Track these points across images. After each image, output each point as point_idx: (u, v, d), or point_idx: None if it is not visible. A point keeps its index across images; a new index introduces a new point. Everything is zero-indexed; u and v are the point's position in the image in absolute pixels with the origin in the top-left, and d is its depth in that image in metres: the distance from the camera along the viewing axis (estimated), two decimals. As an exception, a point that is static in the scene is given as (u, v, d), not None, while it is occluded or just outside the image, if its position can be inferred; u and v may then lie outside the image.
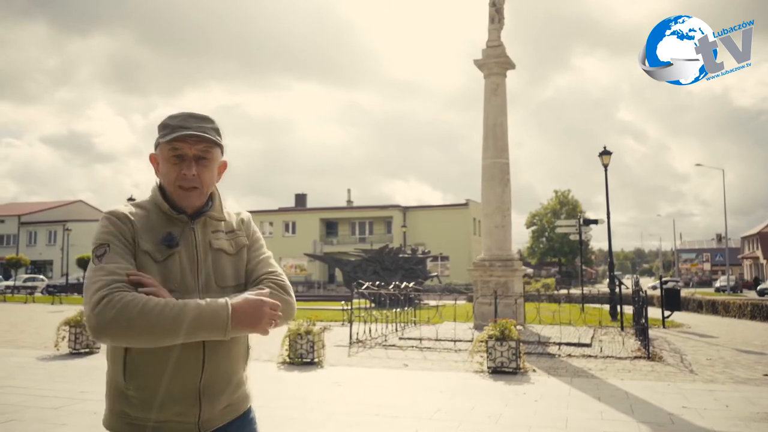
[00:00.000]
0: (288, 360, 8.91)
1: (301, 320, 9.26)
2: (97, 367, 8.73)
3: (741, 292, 46.35)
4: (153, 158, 1.77)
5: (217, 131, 1.73)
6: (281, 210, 58.35)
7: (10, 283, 37.31)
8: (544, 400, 6.53)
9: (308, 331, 9.00)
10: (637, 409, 6.06)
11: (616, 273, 17.75)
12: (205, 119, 1.73)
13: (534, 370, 8.30)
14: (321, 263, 47.79)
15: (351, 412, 5.94)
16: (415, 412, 5.97)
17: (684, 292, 29.37)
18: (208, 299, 1.57)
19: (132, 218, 1.66)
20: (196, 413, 1.65)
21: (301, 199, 62.13)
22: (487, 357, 8.24)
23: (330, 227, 56.42)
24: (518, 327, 8.58)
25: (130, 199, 30.93)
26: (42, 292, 35.29)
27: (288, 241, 53.08)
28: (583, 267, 67.41)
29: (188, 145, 1.67)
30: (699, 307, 21.01)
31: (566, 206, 66.94)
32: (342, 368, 8.66)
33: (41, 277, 44.32)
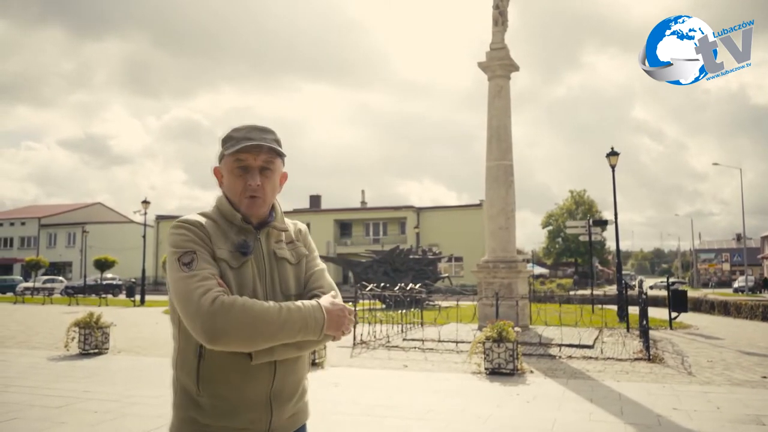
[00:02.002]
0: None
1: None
2: (104, 367, 8.96)
3: (761, 292, 45.65)
4: (217, 171, 1.80)
5: (278, 142, 1.76)
6: (296, 211, 58.66)
7: (29, 284, 37.99)
8: (536, 401, 6.60)
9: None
10: (627, 410, 6.10)
11: (632, 273, 17.68)
12: (268, 131, 1.76)
13: (531, 372, 8.35)
14: (335, 264, 48.06)
15: (344, 412, 6.06)
16: (407, 412, 6.08)
17: (697, 293, 29.12)
18: (303, 301, 1.65)
19: (206, 226, 1.69)
20: (267, 420, 1.67)
21: (315, 200, 62.46)
22: (485, 358, 8.32)
23: (344, 228, 56.66)
24: (516, 329, 8.62)
25: (145, 202, 31.40)
26: (61, 294, 35.91)
27: (302, 242, 53.23)
28: (600, 267, 67.08)
29: (252, 156, 1.70)
30: (711, 308, 20.82)
31: (582, 206, 66.54)
32: (342, 369, 8.79)
33: (60, 278, 45.08)
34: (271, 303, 1.59)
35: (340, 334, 1.69)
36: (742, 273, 53.85)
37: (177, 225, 1.69)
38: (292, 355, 1.69)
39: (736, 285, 50.16)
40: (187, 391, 1.67)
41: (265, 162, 1.73)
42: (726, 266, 71.61)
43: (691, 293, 29.18)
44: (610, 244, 72.22)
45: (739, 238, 74.14)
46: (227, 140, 1.74)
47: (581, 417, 5.85)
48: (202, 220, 1.71)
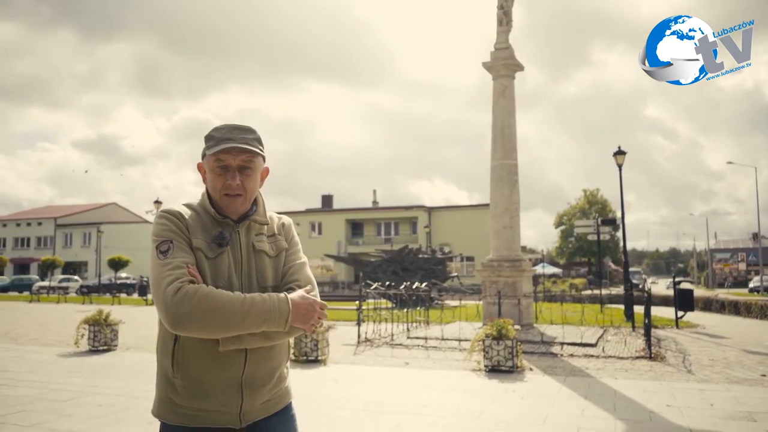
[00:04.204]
0: (293, 358, 9.20)
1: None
2: (112, 363, 9.17)
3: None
4: (200, 167, 1.89)
5: (259, 141, 1.84)
6: (308, 211, 58.98)
7: (45, 283, 38.57)
8: (531, 397, 6.68)
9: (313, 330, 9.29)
10: (620, 407, 6.17)
11: (639, 271, 17.60)
12: (248, 130, 1.83)
13: (531, 369, 8.43)
14: (346, 264, 48.24)
15: (341, 408, 6.18)
16: (403, 408, 6.18)
17: (708, 293, 28.89)
18: (270, 293, 1.72)
19: (186, 217, 1.79)
20: (237, 404, 1.75)
21: (327, 200, 62.70)
22: (484, 356, 8.40)
23: (355, 228, 56.83)
24: (516, 327, 8.70)
25: (157, 202, 31.78)
26: (76, 293, 36.44)
27: (314, 242, 53.64)
28: (613, 267, 66.63)
29: (232, 156, 1.78)
30: (722, 307, 20.67)
31: (595, 205, 66.13)
32: (344, 366, 8.92)
33: (76, 277, 45.71)
34: (237, 294, 1.67)
35: (310, 328, 1.75)
36: (757, 273, 53.22)
37: (159, 215, 1.81)
38: (260, 345, 1.75)
39: (751, 285, 49.55)
40: (166, 373, 1.78)
41: (245, 161, 1.81)
42: (742, 266, 70.71)
43: (703, 293, 28.96)
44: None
45: (755, 237, 73.23)
46: (209, 139, 1.83)
47: (574, 413, 5.93)
48: (185, 210, 1.82)
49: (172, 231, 1.75)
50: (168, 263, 1.68)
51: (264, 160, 1.89)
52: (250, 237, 1.86)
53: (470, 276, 44.76)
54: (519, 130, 13.64)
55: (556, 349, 10.23)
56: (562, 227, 67.81)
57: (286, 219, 2.02)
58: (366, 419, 5.74)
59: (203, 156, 1.86)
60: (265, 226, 1.92)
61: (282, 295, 1.72)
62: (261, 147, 1.85)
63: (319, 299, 1.80)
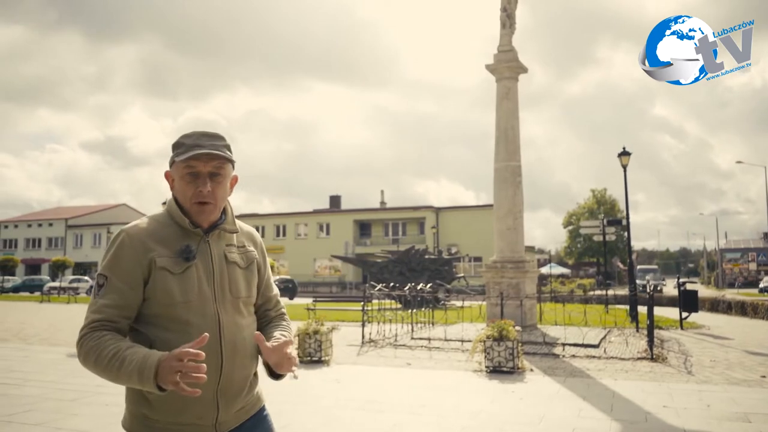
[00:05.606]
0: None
1: (309, 320, 9.74)
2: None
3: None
4: (168, 175, 1.85)
5: (228, 148, 1.82)
6: (316, 212, 59.22)
7: (56, 283, 38.96)
8: (530, 398, 6.75)
9: (316, 330, 9.43)
10: (617, 407, 6.23)
11: (657, 269, 17.48)
12: (218, 137, 1.81)
13: (531, 370, 8.50)
14: (353, 265, 48.37)
15: (341, 407, 6.29)
16: (401, 407, 6.28)
17: (716, 293, 28.77)
18: (150, 352, 1.58)
19: (144, 238, 1.74)
20: (213, 416, 1.75)
21: (335, 200, 62.94)
22: (485, 357, 8.48)
23: (363, 228, 56.98)
24: (517, 328, 8.77)
25: (164, 204, 32.01)
26: (86, 293, 36.77)
27: (322, 243, 53.92)
28: (622, 267, 66.33)
29: (202, 163, 1.76)
30: (728, 308, 20.61)
31: (604, 205, 65.90)
32: (347, 366, 9.03)
33: (86, 278, 46.09)
34: (118, 351, 1.59)
35: (180, 389, 1.51)
36: (766, 273, 52.83)
37: (117, 234, 1.78)
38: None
39: (761, 285, 49.17)
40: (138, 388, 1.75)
41: (215, 168, 1.79)
42: (752, 266, 70.22)
43: (710, 293, 28.85)
44: (634, 243, 71.23)
45: (766, 236, 72.67)
46: (177, 146, 1.81)
47: (570, 413, 6.00)
48: (146, 226, 1.78)
49: (116, 260, 1.73)
50: (94, 303, 1.70)
51: (233, 167, 1.87)
52: (221, 247, 1.85)
53: (478, 277, 44.78)
54: (525, 130, 13.75)
55: (558, 350, 10.29)
56: (571, 227, 67.61)
57: (258, 236, 2.03)
58: (365, 418, 5.83)
59: (171, 164, 1.83)
60: (234, 237, 1.91)
61: (156, 356, 1.56)
62: (231, 154, 1.84)
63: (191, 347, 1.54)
